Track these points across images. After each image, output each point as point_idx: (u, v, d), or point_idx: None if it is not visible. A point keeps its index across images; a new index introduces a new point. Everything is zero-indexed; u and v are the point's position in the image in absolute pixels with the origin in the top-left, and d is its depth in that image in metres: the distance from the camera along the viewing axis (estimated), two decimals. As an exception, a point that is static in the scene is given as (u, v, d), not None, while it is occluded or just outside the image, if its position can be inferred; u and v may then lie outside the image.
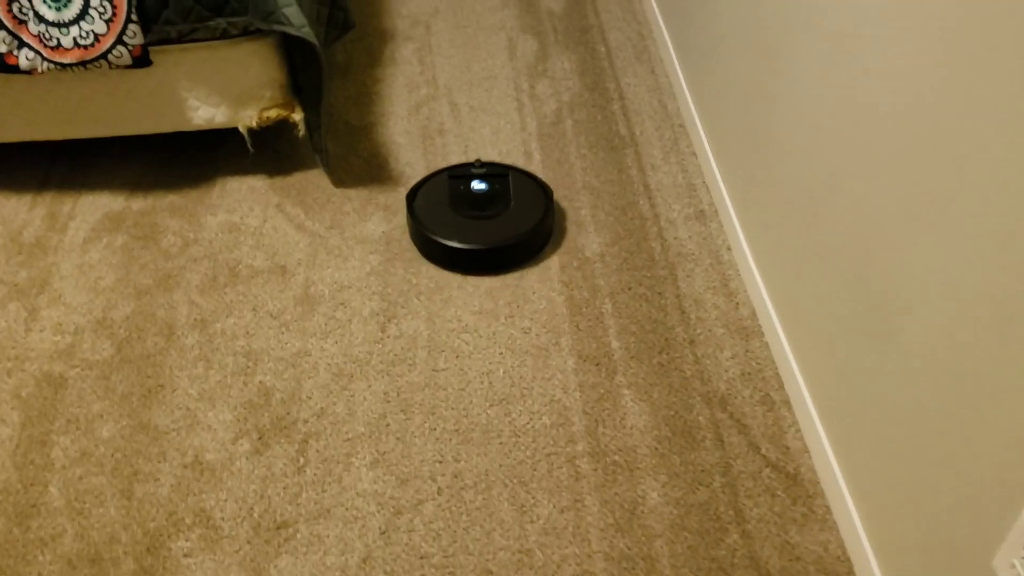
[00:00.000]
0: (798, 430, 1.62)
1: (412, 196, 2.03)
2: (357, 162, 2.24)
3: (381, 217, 2.09)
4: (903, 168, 1.21)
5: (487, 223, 1.96)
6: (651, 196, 2.14)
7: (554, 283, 1.92)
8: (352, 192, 2.15)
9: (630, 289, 1.91)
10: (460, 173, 2.06)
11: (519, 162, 2.24)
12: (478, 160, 2.08)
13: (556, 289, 1.91)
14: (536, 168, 2.23)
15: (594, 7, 2.79)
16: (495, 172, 2.06)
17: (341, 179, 2.19)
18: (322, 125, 2.02)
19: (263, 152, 2.24)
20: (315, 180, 2.18)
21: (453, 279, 1.93)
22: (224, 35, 1.91)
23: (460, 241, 1.92)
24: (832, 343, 1.49)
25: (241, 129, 2.05)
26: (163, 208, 2.11)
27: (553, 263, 1.96)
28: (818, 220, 1.52)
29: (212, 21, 1.85)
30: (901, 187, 1.22)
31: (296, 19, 1.81)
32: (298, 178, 2.19)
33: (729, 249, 2.01)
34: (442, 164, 2.24)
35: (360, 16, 2.75)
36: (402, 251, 2.00)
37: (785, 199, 1.67)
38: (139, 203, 2.12)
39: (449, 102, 2.44)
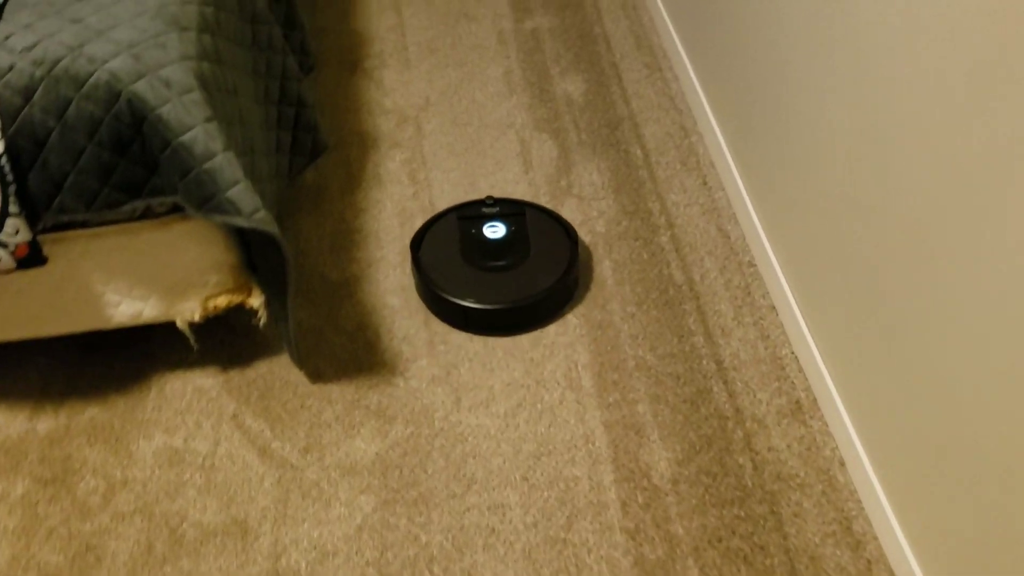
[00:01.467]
0: None
1: (417, 244, 1.78)
2: (338, 340, 1.70)
3: (373, 428, 1.56)
4: None
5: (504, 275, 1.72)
6: (727, 379, 1.61)
7: (616, 535, 1.40)
8: (333, 389, 1.62)
9: (720, 541, 1.39)
10: (471, 214, 1.83)
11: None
12: (489, 197, 1.84)
13: (619, 547, 1.39)
14: (570, 335, 1.70)
15: (622, 90, 2.25)
16: (510, 211, 1.83)
17: (318, 369, 1.65)
18: (290, 316, 1.48)
19: (213, 334, 1.70)
20: (283, 373, 1.65)
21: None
22: (147, 214, 1.37)
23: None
24: None
25: (180, 325, 1.51)
26: (79, 430, 1.57)
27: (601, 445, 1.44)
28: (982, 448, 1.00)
29: (127, 205, 1.31)
30: None
31: (246, 203, 1.27)
32: (260, 371, 1.65)
33: (843, 465, 1.48)
34: (449, 332, 1.72)
35: (332, 112, 2.20)
36: (403, 486, 1.47)
37: (931, 388, 1.15)
38: (47, 423, 1.58)
39: (452, 240, 1.90)
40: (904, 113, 1.21)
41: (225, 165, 1.26)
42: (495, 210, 1.83)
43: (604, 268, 1.83)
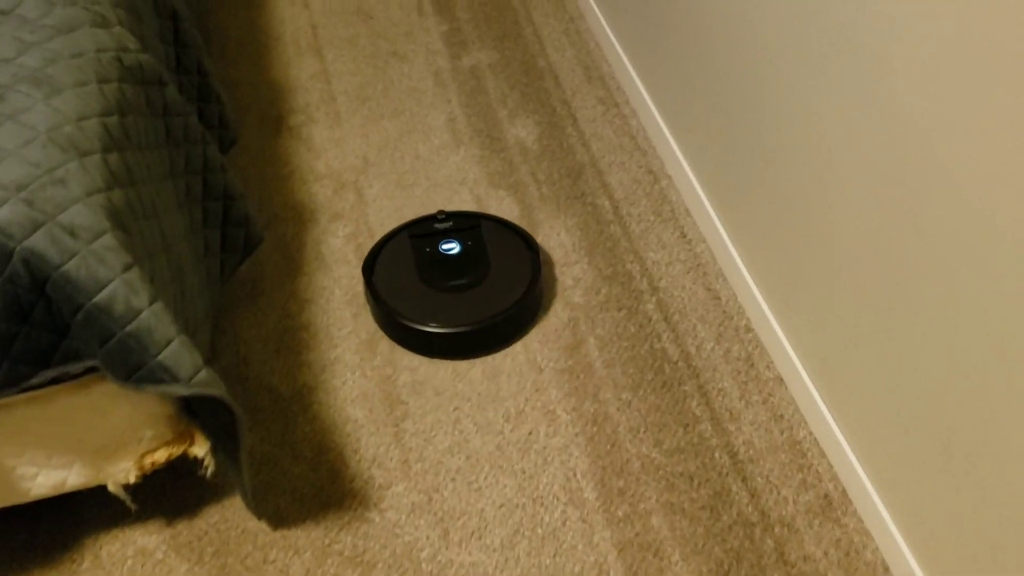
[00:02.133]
0: None
1: (369, 268, 1.68)
2: (298, 469, 1.47)
3: (353, 581, 1.33)
4: None
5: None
6: (745, 475, 1.44)
7: None
8: (300, 535, 1.39)
9: None
10: (422, 232, 1.74)
11: (540, 427, 1.52)
12: (441, 212, 1.76)
13: None
14: (562, 436, 1.50)
15: (578, 132, 2.05)
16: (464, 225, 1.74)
17: (279, 510, 1.43)
18: (243, 470, 1.24)
19: (153, 481, 1.45)
20: (239, 520, 1.42)
21: None
22: (61, 378, 1.12)
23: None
24: None
25: (113, 489, 1.26)
26: (1, 621, 1.31)
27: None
28: None
29: (35, 378, 1.06)
30: None
31: (183, 366, 1.04)
32: (212, 520, 1.41)
33: (887, 570, 1.32)
34: (426, 446, 1.51)
35: (259, 183, 1.96)
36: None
37: (987, 474, 0.99)
38: (-40, 617, 1.32)
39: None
40: (919, 130, 1.03)
41: (154, 323, 1.02)
42: (448, 224, 1.74)
43: (590, 347, 1.63)
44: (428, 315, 1.61)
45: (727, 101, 1.60)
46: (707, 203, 1.78)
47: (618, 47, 2.16)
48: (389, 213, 1.89)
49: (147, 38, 1.42)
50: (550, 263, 1.79)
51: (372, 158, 2.02)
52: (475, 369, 1.62)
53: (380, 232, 1.85)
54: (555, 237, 1.84)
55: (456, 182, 1.96)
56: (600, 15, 2.26)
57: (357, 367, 1.62)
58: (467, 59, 2.28)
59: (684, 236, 1.84)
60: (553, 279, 1.75)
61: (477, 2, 2.45)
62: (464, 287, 1.66)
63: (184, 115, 1.37)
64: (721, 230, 1.73)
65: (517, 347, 1.65)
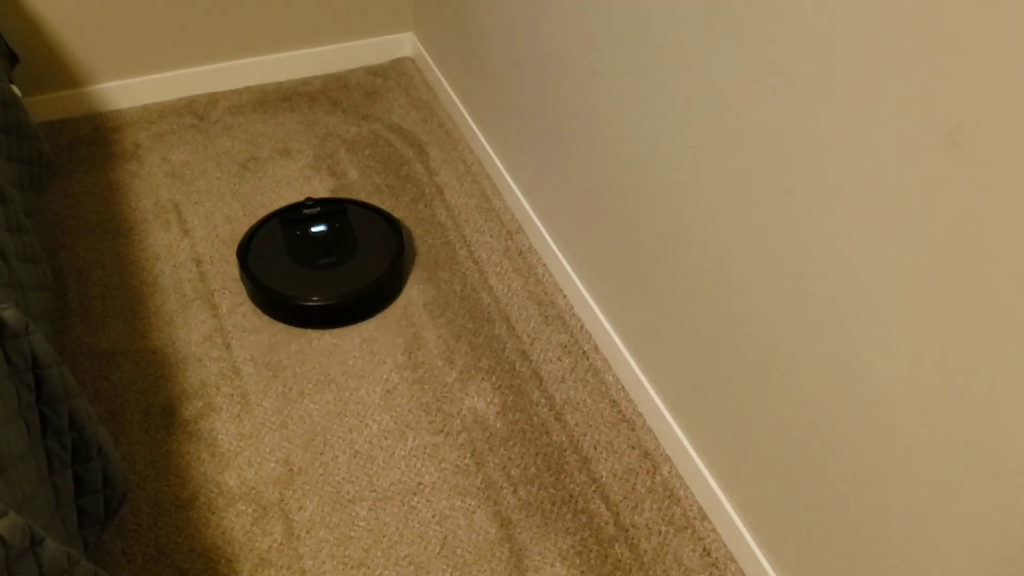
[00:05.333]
0: None
1: (244, 250, 1.84)
2: None
3: None
4: None
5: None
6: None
7: None
8: None
9: None
10: (293, 217, 1.92)
11: None
12: (308, 199, 1.93)
13: None
14: None
15: (544, 394, 1.68)
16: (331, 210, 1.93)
17: None
18: None
19: None
20: None
21: None
22: None
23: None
24: None
25: None
26: None
27: None
28: None
29: None
30: None
31: None
32: None
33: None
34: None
35: (152, 512, 1.49)
36: None
37: None
38: None
39: None
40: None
41: None
42: (316, 210, 1.92)
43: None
44: (300, 290, 1.77)
45: (724, 373, 1.27)
46: (722, 497, 1.44)
47: (574, 275, 1.82)
48: (331, 552, 1.45)
49: None
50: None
51: (297, 462, 1.58)
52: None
53: (327, 595, 1.42)
54: (548, 568, 1.44)
55: (409, 491, 1.55)
56: (545, 232, 1.91)
57: None
58: (397, 298, 1.88)
59: (708, 554, 1.48)
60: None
61: (398, 219, 2.06)
62: (332, 264, 1.83)
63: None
64: (756, 551, 1.38)
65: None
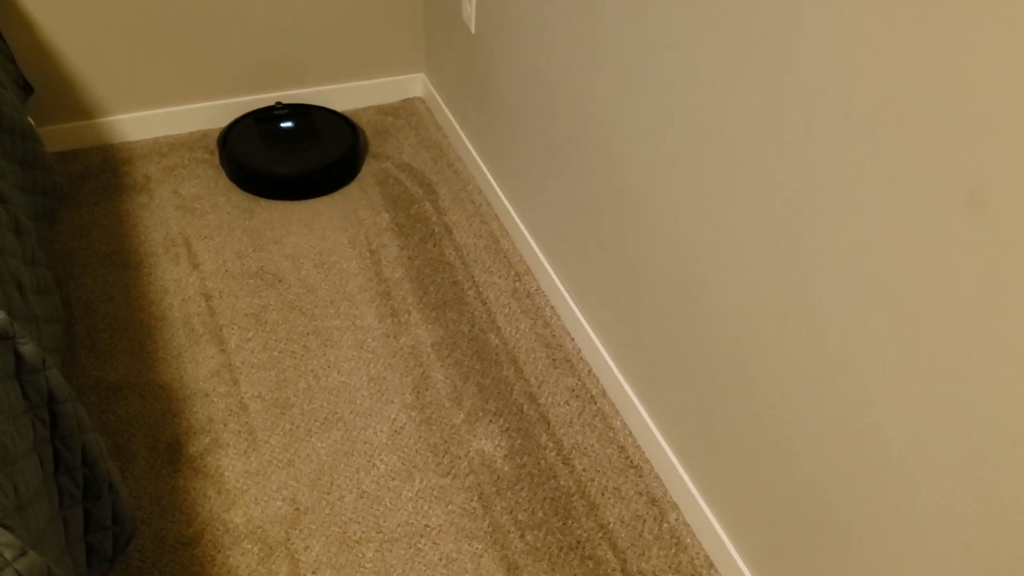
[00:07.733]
0: None
1: (224, 140, 2.24)
2: None
3: None
4: None
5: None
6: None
7: None
8: None
9: None
10: (265, 116, 2.34)
11: None
12: (279, 103, 2.33)
13: None
14: None
15: (552, 438, 1.68)
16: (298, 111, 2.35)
17: None
18: None
19: None
20: None
21: None
22: None
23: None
24: None
25: None
26: None
27: None
28: None
29: None
30: None
31: None
32: None
33: None
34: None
35: (157, 551, 1.48)
36: None
37: None
38: None
39: None
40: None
41: None
42: (285, 111, 2.34)
43: None
44: (271, 166, 2.18)
45: (726, 409, 1.27)
46: (729, 546, 1.43)
47: (582, 319, 1.82)
48: (338, 596, 1.44)
49: None
50: None
51: (304, 500, 1.57)
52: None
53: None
54: (557, 618, 1.43)
55: (415, 533, 1.54)
56: (553, 274, 1.92)
57: None
58: (405, 337, 1.88)
59: (713, 602, 1.47)
60: None
61: (407, 257, 2.07)
62: (299, 151, 2.22)
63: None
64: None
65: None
